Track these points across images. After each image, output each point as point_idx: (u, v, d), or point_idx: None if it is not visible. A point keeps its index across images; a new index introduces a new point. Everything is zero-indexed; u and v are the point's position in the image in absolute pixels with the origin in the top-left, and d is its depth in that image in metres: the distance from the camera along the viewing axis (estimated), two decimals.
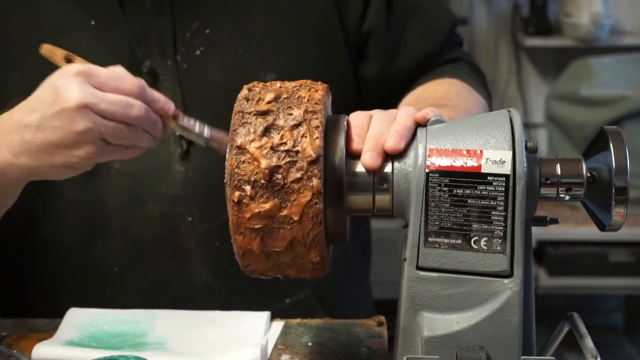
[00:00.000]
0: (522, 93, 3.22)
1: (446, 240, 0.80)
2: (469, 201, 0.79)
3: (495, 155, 0.79)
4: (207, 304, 1.14)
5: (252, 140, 0.80)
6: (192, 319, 1.07)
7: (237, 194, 0.79)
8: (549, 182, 0.81)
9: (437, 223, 0.80)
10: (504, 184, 0.78)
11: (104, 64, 0.98)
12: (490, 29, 3.20)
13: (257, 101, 0.82)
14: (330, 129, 0.83)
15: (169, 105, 0.98)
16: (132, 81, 0.96)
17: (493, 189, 0.78)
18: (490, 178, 0.78)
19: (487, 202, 0.79)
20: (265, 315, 1.06)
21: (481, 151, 0.79)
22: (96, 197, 1.17)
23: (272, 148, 0.79)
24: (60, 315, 1.07)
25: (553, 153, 2.91)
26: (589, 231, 2.68)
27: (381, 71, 1.24)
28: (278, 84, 0.86)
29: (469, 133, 0.81)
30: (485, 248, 0.79)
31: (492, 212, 0.79)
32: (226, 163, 0.80)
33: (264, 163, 0.79)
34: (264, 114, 0.81)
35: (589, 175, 0.81)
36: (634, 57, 2.95)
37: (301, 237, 0.80)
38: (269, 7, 1.19)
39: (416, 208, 0.80)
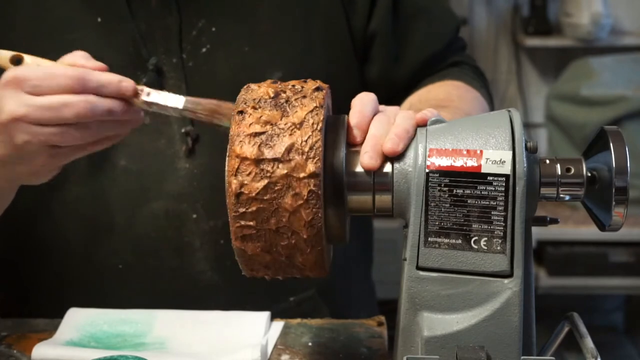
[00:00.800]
0: (522, 93, 3.22)
1: (446, 240, 0.80)
2: (469, 201, 0.79)
3: (495, 155, 0.79)
4: (211, 302, 1.14)
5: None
6: (192, 319, 1.07)
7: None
8: (549, 182, 0.81)
9: (437, 223, 0.80)
10: (504, 184, 0.78)
11: (109, 61, 0.98)
12: (490, 29, 3.20)
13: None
14: (330, 129, 0.83)
15: (126, 85, 0.94)
16: (67, 74, 0.91)
17: (493, 189, 0.78)
18: (490, 178, 0.78)
19: (487, 202, 0.79)
20: (265, 315, 1.06)
21: (481, 151, 0.79)
22: (100, 195, 1.17)
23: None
24: (64, 313, 1.07)
25: (553, 153, 2.91)
26: (589, 231, 2.68)
27: (384, 72, 1.25)
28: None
29: (469, 133, 0.81)
30: (485, 248, 0.79)
31: (492, 212, 0.79)
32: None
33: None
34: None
35: (589, 175, 0.81)
36: (634, 57, 2.96)
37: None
38: (276, 5, 1.19)
39: (416, 208, 0.80)
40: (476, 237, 0.79)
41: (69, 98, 0.91)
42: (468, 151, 0.79)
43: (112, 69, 0.98)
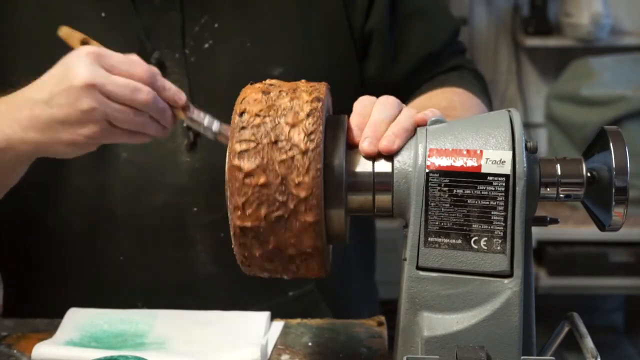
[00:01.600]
0: (522, 93, 3.22)
1: (446, 240, 0.80)
2: (469, 201, 0.79)
3: (495, 155, 0.79)
4: (210, 295, 1.15)
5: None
6: (192, 318, 1.07)
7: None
8: (549, 182, 0.82)
9: (437, 223, 0.80)
10: (504, 184, 0.78)
11: None
12: (490, 29, 3.20)
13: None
14: (330, 129, 0.83)
15: (180, 96, 1.00)
16: (143, 67, 0.98)
17: (493, 189, 0.78)
18: (490, 178, 0.78)
19: (487, 202, 0.79)
20: (265, 315, 1.07)
21: (481, 151, 0.79)
22: (102, 186, 1.18)
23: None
24: (66, 308, 1.08)
25: (553, 153, 2.91)
26: (589, 231, 2.68)
27: (381, 71, 1.25)
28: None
29: (469, 133, 0.81)
30: (485, 248, 0.79)
31: (492, 212, 0.79)
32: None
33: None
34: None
35: (589, 175, 0.81)
36: (634, 57, 2.95)
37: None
38: (277, 2, 1.20)
39: (416, 208, 0.80)
40: (476, 237, 0.79)
41: (141, 85, 0.97)
42: (468, 151, 0.79)
43: None
